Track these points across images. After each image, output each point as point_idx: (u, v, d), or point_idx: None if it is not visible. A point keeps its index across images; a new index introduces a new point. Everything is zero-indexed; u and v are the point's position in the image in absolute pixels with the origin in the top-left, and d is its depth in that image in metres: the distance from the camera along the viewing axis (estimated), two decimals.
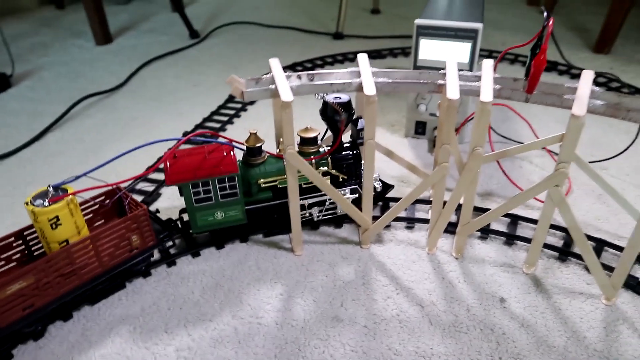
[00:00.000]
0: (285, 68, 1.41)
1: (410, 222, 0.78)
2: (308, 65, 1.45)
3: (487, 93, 0.59)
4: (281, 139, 0.75)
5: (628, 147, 0.89)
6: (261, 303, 0.64)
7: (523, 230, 0.77)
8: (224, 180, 0.68)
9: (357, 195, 0.75)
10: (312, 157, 0.72)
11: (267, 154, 0.73)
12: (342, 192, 0.75)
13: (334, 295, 0.65)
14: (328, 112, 0.70)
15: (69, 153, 1.01)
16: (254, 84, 0.65)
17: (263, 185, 0.72)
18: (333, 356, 0.57)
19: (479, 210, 0.79)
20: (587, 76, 0.63)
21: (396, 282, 0.67)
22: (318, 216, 0.76)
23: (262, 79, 0.65)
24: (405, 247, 0.73)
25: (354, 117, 0.72)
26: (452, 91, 0.60)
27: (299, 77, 0.67)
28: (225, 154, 0.68)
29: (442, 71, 0.66)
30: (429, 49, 0.93)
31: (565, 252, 0.71)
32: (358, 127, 0.72)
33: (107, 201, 0.68)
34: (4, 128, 1.13)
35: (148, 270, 0.70)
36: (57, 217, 0.56)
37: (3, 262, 0.61)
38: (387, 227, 0.77)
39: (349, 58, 1.51)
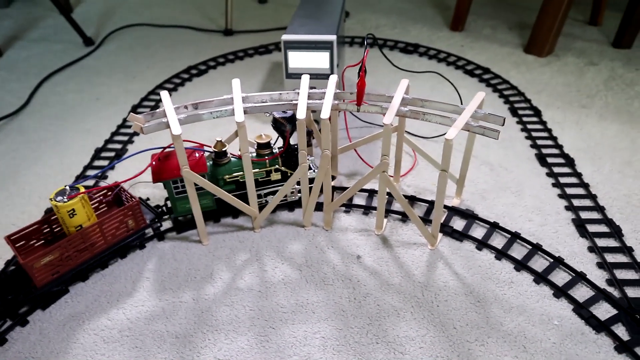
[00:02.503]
0: (181, 73, 1.56)
1: (291, 206, 0.99)
2: (202, 68, 1.60)
3: (325, 111, 0.80)
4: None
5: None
6: (180, 286, 0.84)
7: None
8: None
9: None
10: (266, 157, 0.92)
11: (231, 155, 0.92)
12: None
13: (235, 272, 0.86)
14: (277, 125, 0.89)
15: None
16: (150, 117, 0.82)
17: (228, 180, 0.92)
18: (237, 316, 0.78)
19: (345, 189, 1.03)
20: (402, 86, 0.86)
21: (281, 255, 0.89)
22: None
23: (156, 112, 0.83)
24: (287, 227, 0.95)
25: None
26: (300, 112, 0.81)
27: (186, 107, 0.84)
28: (198, 156, 0.88)
29: (297, 90, 0.87)
30: (297, 59, 1.13)
31: (405, 215, 0.97)
32: None
33: (109, 194, 0.90)
34: None
35: (143, 244, 0.91)
36: (74, 209, 0.77)
37: (34, 240, 0.84)
38: (273, 211, 0.98)
39: (239, 56, 1.68)
